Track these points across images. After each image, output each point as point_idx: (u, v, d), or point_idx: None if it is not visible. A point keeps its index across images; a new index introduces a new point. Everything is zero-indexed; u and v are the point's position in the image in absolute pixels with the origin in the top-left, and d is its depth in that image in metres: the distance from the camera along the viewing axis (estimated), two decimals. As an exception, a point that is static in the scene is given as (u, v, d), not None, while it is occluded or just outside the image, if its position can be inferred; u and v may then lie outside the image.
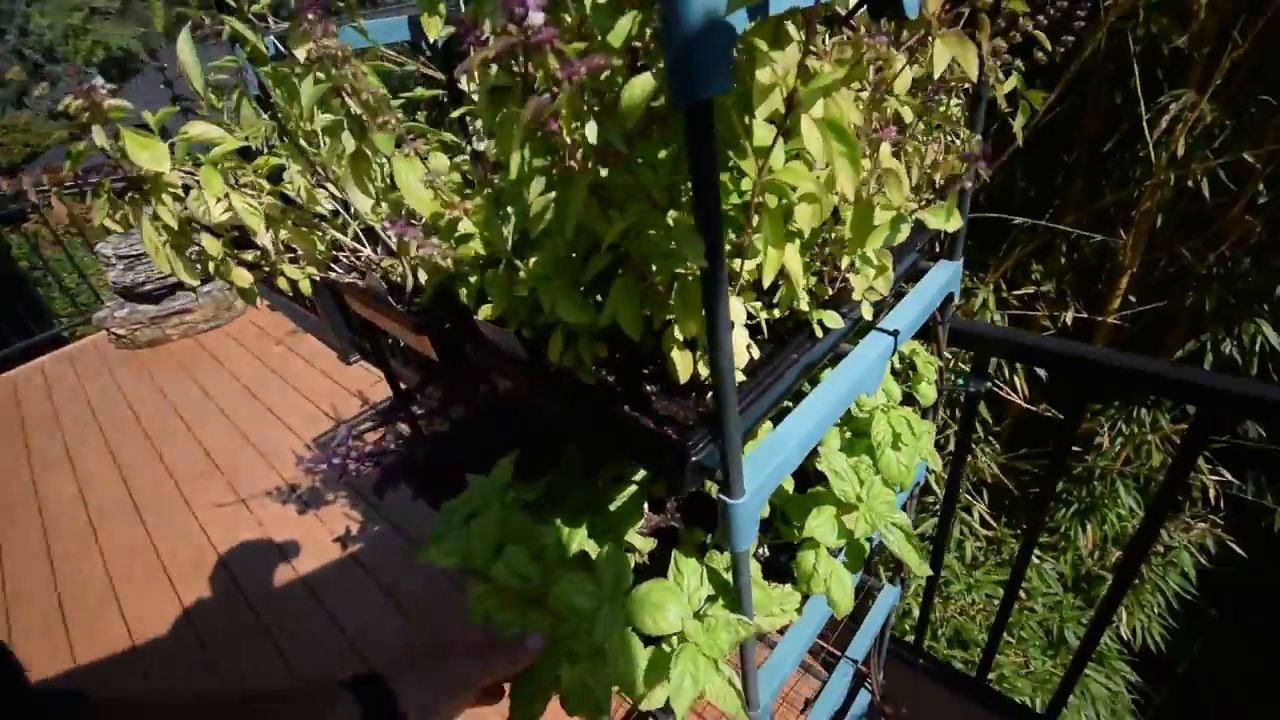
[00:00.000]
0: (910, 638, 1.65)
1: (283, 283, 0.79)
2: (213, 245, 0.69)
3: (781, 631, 0.89)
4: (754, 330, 0.64)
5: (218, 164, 0.63)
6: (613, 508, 0.85)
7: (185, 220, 0.66)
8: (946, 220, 0.57)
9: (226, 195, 0.65)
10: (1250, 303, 2.26)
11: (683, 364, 0.53)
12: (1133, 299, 2.59)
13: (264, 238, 0.72)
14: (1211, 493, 2.51)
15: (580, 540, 0.77)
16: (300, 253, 0.77)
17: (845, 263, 0.60)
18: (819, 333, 0.63)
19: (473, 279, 0.66)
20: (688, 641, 0.61)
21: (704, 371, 0.55)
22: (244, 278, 0.76)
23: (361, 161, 0.56)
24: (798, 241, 0.47)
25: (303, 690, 0.48)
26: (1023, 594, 2.74)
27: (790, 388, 0.64)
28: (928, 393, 0.96)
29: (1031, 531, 1.31)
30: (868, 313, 0.64)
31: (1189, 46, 1.86)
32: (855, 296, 0.62)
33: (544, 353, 0.59)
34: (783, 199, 0.42)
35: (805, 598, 0.81)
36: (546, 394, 0.60)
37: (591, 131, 0.39)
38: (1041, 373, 2.47)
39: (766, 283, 0.46)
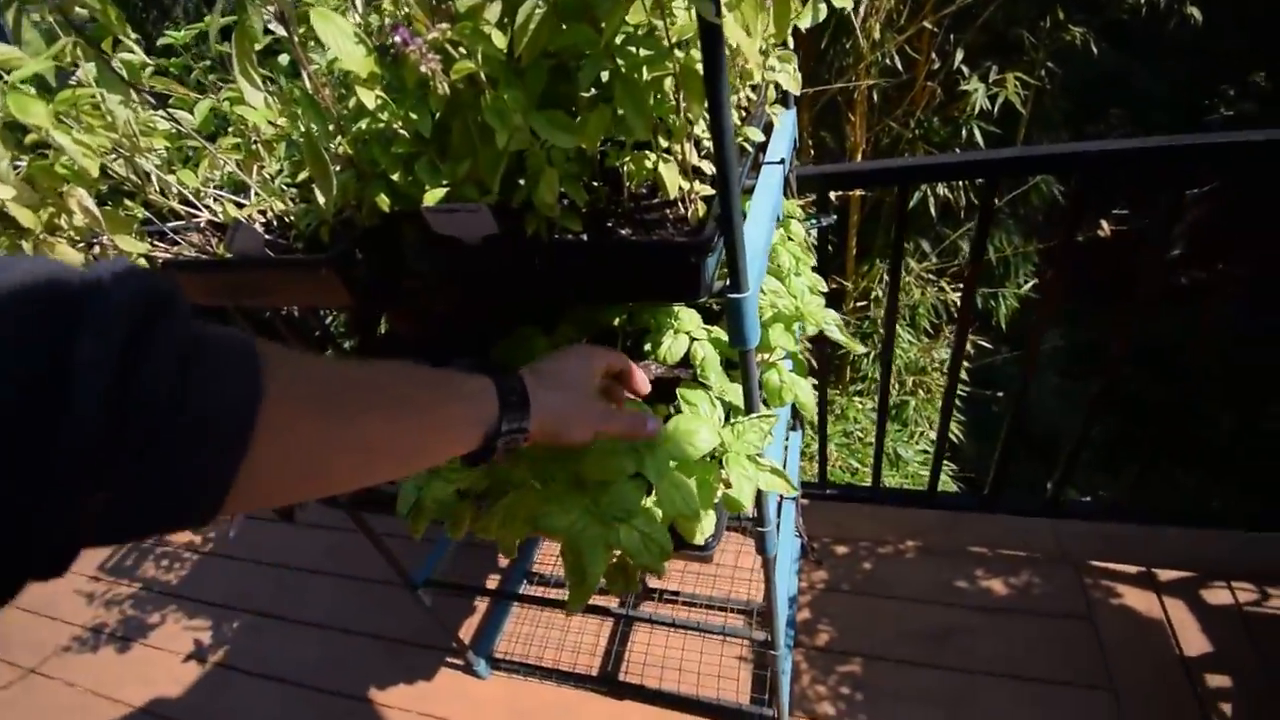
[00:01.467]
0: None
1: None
2: (26, 216, 0.55)
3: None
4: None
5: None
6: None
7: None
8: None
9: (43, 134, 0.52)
10: (944, 149, 2.88)
11: (670, 178, 0.56)
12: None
13: (86, 200, 0.59)
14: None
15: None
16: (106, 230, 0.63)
17: (757, 77, 0.67)
18: (748, 148, 0.69)
19: (396, 176, 0.61)
20: (729, 450, 0.66)
21: (686, 186, 0.58)
22: (72, 256, 0.62)
23: (246, 38, 0.48)
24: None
25: (452, 370, 0.52)
26: (859, 434, 3.24)
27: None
28: (799, 230, 1.09)
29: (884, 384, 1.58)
30: (776, 124, 0.72)
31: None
32: (769, 97, 0.69)
33: (521, 215, 0.58)
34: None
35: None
36: (532, 257, 0.59)
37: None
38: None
39: (756, 46, 0.50)
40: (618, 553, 0.65)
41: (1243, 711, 1.32)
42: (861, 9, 2.18)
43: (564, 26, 0.48)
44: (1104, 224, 2.28)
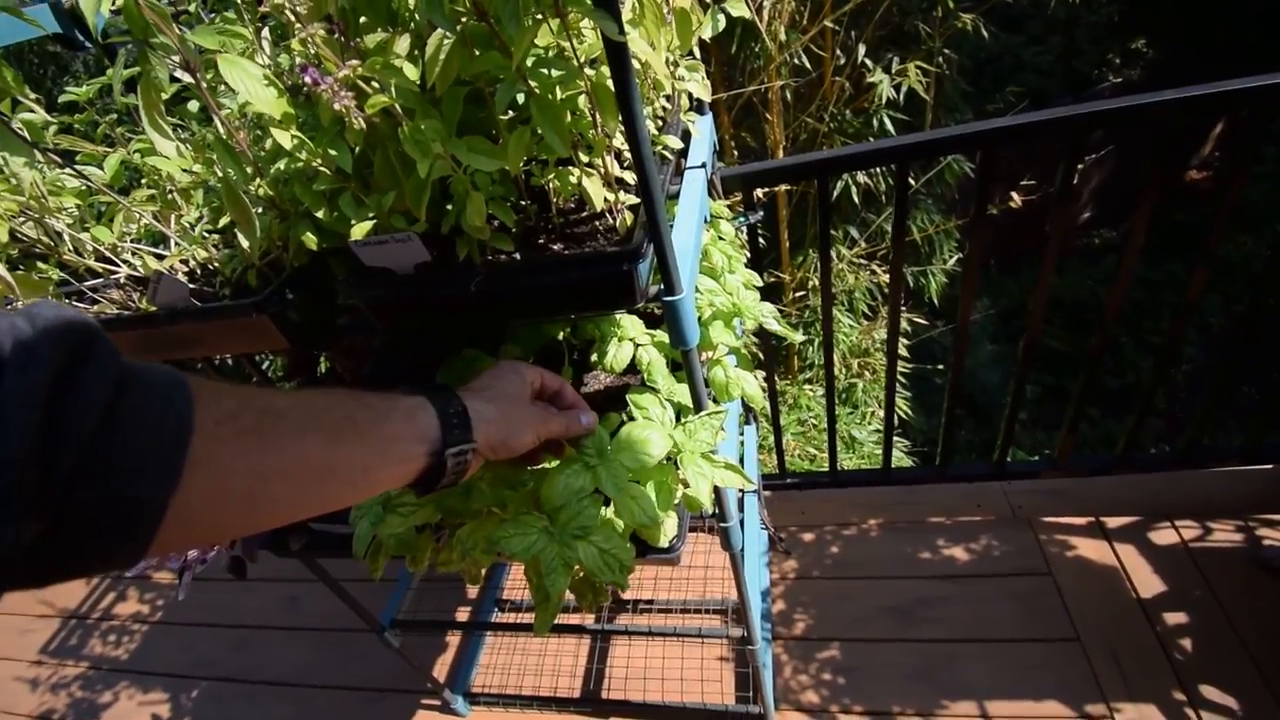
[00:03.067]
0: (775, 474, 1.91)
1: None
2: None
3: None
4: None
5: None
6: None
7: None
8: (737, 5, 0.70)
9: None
10: (858, 139, 3.01)
11: (595, 191, 0.57)
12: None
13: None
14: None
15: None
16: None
17: (668, 88, 0.69)
18: (668, 156, 0.71)
19: (320, 213, 0.61)
20: (683, 451, 0.67)
21: (611, 197, 0.60)
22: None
23: (152, 89, 0.48)
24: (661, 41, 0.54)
25: (390, 393, 0.51)
26: (813, 421, 3.32)
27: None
28: (729, 229, 1.12)
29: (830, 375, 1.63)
30: (694, 130, 0.74)
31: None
32: (684, 106, 0.72)
33: (452, 241, 0.58)
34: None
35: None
36: (467, 281, 0.59)
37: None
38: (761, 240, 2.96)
39: (662, 59, 0.52)
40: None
41: (1200, 645, 1.40)
42: (765, 13, 2.26)
43: (475, 54, 0.49)
44: (1014, 196, 2.42)
